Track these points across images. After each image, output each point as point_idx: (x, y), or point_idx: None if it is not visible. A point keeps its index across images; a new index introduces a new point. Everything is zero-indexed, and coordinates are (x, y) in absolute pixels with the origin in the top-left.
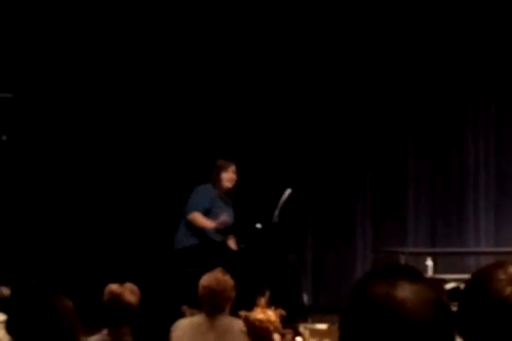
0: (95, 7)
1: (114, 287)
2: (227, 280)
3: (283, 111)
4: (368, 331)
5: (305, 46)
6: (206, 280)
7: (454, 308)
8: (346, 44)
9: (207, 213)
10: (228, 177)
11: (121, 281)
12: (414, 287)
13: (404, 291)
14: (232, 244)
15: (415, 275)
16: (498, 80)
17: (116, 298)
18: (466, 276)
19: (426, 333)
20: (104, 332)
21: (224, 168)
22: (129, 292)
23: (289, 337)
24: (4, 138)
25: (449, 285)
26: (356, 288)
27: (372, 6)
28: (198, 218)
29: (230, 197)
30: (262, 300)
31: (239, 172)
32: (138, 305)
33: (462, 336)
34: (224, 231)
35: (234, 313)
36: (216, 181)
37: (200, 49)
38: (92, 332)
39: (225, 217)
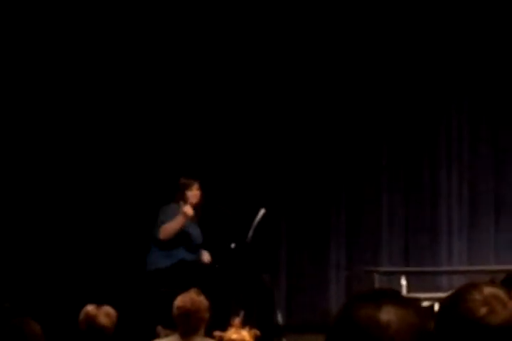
0: (88, 13)
1: (90, 308)
2: (202, 300)
3: (255, 131)
4: None
5: (277, 68)
6: (181, 300)
7: None
8: (319, 56)
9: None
10: (193, 194)
11: (95, 303)
12: (399, 311)
13: (389, 315)
14: (205, 257)
15: (401, 299)
16: (472, 94)
17: (91, 319)
18: (440, 295)
19: None
20: None
21: (188, 186)
22: (104, 315)
23: None
24: None
25: (423, 304)
26: (342, 310)
27: (347, 21)
28: (165, 227)
29: (197, 215)
30: (236, 320)
31: (213, 193)
32: (112, 328)
33: None
34: (194, 249)
35: (208, 334)
36: (181, 200)
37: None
38: None
39: (187, 207)
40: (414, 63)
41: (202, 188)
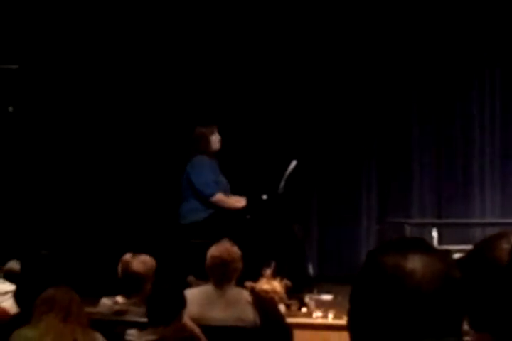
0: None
1: (127, 256)
2: (236, 251)
3: (288, 83)
4: (377, 299)
5: (305, 18)
6: (216, 250)
7: None
8: (346, 12)
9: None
10: (217, 139)
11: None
12: (424, 259)
13: (414, 263)
14: (241, 202)
15: (427, 247)
16: (504, 45)
17: (126, 266)
18: (472, 247)
19: (433, 303)
20: (118, 297)
21: (212, 132)
22: (139, 262)
23: (294, 307)
24: (11, 109)
25: (455, 256)
26: (368, 258)
27: None
28: (224, 199)
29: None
30: (268, 271)
31: (245, 145)
32: (148, 276)
33: None
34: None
35: (240, 284)
36: (208, 148)
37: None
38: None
39: (242, 201)
40: (446, 15)
41: (234, 140)
